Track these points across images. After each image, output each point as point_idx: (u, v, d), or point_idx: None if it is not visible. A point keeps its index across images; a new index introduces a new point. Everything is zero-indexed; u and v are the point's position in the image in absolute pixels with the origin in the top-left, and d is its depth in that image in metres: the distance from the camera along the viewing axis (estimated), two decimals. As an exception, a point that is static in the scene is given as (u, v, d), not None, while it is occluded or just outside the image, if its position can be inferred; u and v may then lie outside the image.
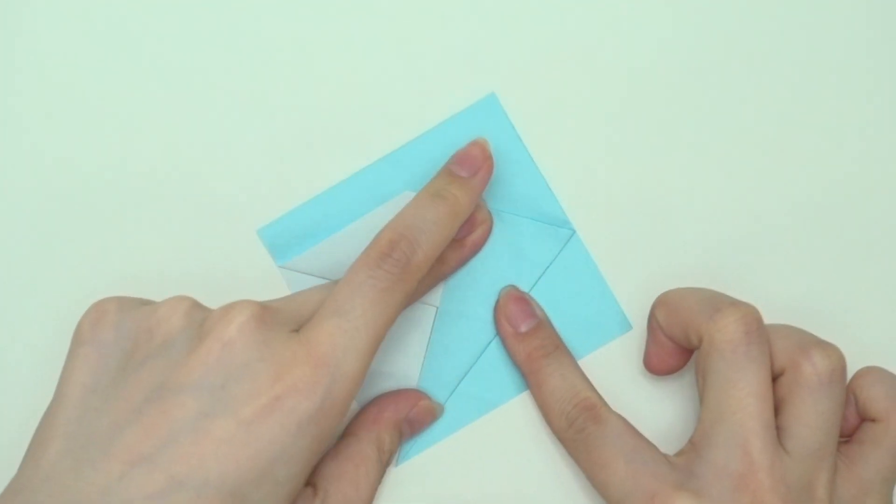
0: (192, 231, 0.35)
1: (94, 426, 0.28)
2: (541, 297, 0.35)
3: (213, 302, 0.30)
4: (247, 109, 0.35)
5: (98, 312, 0.30)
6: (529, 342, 0.34)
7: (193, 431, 0.27)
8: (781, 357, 0.30)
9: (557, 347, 0.34)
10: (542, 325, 0.34)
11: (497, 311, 0.35)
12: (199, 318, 0.29)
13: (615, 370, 0.35)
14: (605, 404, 0.32)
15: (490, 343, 0.35)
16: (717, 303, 0.31)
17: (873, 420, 0.31)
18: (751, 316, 0.30)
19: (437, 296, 0.35)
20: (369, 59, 0.36)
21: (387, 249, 0.30)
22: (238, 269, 0.35)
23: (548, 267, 0.35)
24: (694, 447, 0.30)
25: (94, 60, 0.36)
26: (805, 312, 0.35)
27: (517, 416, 0.35)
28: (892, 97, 0.36)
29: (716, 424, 0.30)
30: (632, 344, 0.35)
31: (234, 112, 0.35)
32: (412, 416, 0.34)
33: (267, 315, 0.29)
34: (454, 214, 0.32)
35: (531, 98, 0.36)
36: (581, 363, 0.35)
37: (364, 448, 0.33)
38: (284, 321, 0.29)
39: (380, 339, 0.30)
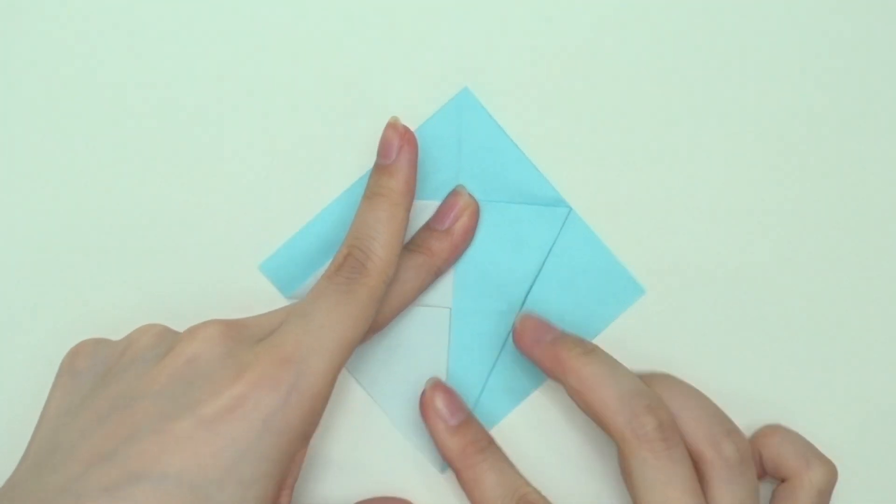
0: (198, 274, 0.35)
1: (61, 438, 0.28)
2: (549, 278, 0.35)
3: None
4: (224, 144, 0.35)
5: (76, 348, 0.31)
6: (463, 436, 0.33)
7: (154, 432, 0.27)
8: (692, 446, 0.31)
9: (490, 442, 0.34)
10: (472, 418, 0.34)
11: (424, 402, 0.34)
12: (168, 339, 0.30)
13: (637, 336, 0.35)
14: (544, 498, 0.32)
15: (509, 334, 0.35)
16: (634, 405, 0.30)
17: (783, 479, 0.32)
18: (665, 422, 0.30)
19: (447, 297, 0.35)
20: (342, 70, 0.36)
21: (341, 260, 0.31)
22: (248, 306, 0.35)
23: (551, 248, 0.35)
24: None
25: (89, 96, 0.35)
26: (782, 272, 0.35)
27: (543, 407, 0.35)
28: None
29: None
30: (649, 308, 0.35)
31: (217, 146, 0.35)
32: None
33: (233, 330, 0.29)
34: (394, 204, 0.32)
35: (505, 86, 0.36)
36: (602, 335, 0.35)
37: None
38: (250, 336, 0.29)
39: (350, 340, 0.29)
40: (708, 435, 0.31)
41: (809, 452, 0.32)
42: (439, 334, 0.35)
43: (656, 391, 0.32)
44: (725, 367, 0.35)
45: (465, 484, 0.33)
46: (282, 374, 0.28)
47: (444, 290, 0.35)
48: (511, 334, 0.34)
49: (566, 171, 0.35)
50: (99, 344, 0.31)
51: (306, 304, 0.30)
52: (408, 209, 0.32)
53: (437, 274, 0.35)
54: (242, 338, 0.29)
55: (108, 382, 0.29)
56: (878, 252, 0.35)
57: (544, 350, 0.33)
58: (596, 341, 0.35)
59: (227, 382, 0.27)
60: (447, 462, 0.34)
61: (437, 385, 0.34)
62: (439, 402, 0.34)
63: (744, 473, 0.30)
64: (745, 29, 0.35)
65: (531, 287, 0.35)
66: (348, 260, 0.31)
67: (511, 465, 0.33)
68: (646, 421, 0.30)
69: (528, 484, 0.33)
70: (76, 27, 0.35)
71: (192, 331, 0.29)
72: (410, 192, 0.32)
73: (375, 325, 0.32)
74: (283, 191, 0.35)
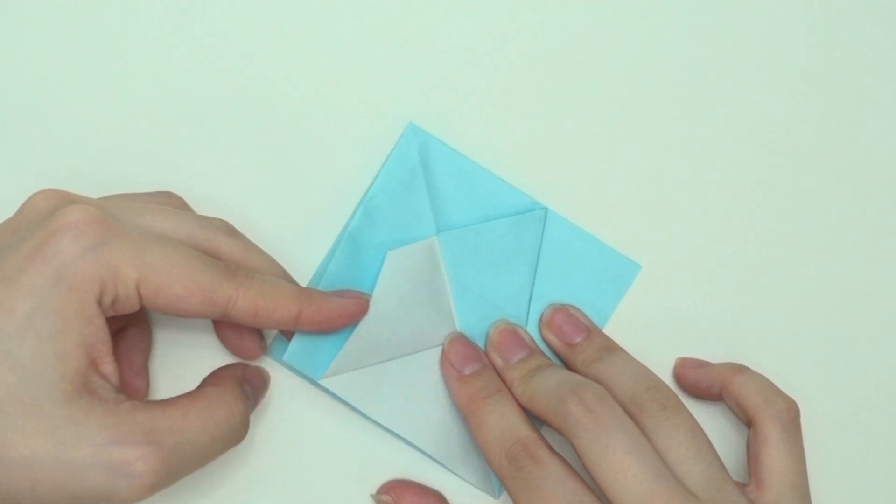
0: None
1: None
2: (546, 281, 0.36)
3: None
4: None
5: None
6: (472, 384, 0.34)
7: None
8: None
9: (499, 390, 0.33)
10: (486, 369, 0.34)
11: (442, 356, 0.35)
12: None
13: (645, 314, 0.36)
14: (546, 445, 0.31)
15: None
16: (561, 395, 0.31)
17: (748, 422, 0.33)
18: (589, 399, 0.30)
19: (453, 328, 0.35)
20: (287, 118, 0.35)
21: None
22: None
23: (539, 250, 0.36)
24: None
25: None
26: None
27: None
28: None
29: (618, 499, 0.29)
30: (649, 281, 0.36)
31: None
32: (248, 376, 0.33)
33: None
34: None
35: (448, 108, 0.36)
36: (611, 322, 0.36)
37: (227, 376, 0.31)
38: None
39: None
40: (632, 396, 0.31)
41: (769, 391, 0.33)
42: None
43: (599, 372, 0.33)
44: (730, 324, 0.36)
45: (472, 429, 0.33)
46: (89, 229, 0.27)
47: (448, 324, 0.35)
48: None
49: (532, 174, 0.36)
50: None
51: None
52: None
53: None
54: (73, 199, 0.29)
55: None
56: (865, 221, 0.37)
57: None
58: (608, 325, 0.36)
59: (32, 234, 0.27)
60: (459, 409, 0.34)
61: (454, 338, 0.35)
62: (453, 354, 0.34)
63: (677, 415, 0.31)
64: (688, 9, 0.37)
65: (531, 295, 0.36)
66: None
67: (517, 411, 0.33)
68: (570, 406, 0.30)
69: (531, 428, 0.32)
70: None
71: (60, 216, 0.28)
72: None
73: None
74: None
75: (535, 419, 0.33)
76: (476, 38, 0.36)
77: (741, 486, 0.31)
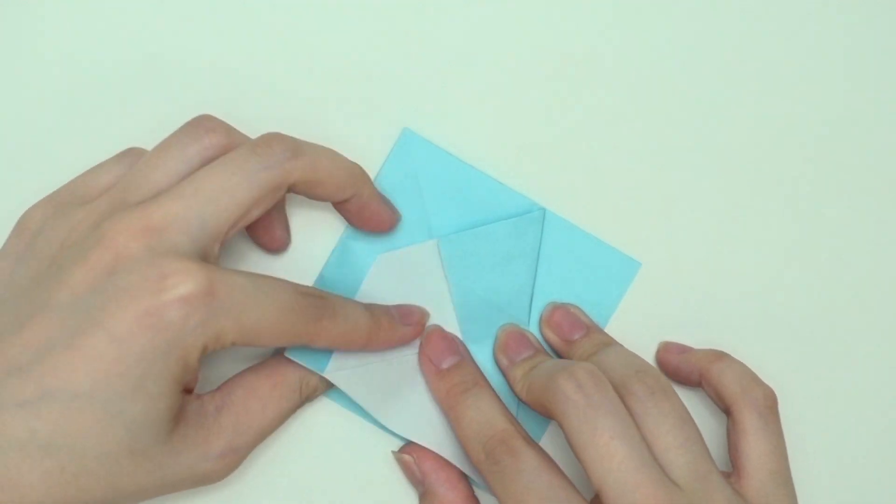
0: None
1: None
2: (547, 282, 0.36)
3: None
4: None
5: (21, 223, 0.32)
6: (450, 379, 0.34)
7: (67, 347, 0.27)
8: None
9: (477, 384, 0.33)
10: (464, 362, 0.34)
11: (420, 350, 0.35)
12: (94, 230, 0.29)
13: (646, 312, 0.36)
14: (524, 437, 0.31)
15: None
16: (554, 376, 0.31)
17: (727, 410, 0.33)
18: (582, 380, 0.30)
19: (455, 331, 0.35)
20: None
21: None
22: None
23: (539, 251, 0.36)
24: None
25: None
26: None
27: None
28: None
29: (600, 483, 0.29)
30: (650, 279, 0.36)
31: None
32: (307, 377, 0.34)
33: (155, 236, 0.29)
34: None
35: (442, 113, 0.36)
36: (612, 320, 0.36)
37: (290, 375, 0.33)
38: (174, 245, 0.29)
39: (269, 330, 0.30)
40: (621, 379, 0.31)
41: (746, 379, 0.33)
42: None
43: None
44: (733, 322, 0.36)
45: (452, 423, 0.33)
46: (200, 303, 0.28)
47: (450, 327, 0.35)
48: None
49: (529, 176, 0.36)
50: (46, 215, 0.31)
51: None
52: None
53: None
54: (166, 247, 0.29)
55: (30, 271, 0.30)
56: (865, 217, 0.36)
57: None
58: (610, 324, 0.36)
59: (141, 295, 0.28)
60: (439, 404, 0.34)
61: (431, 332, 0.35)
62: (429, 348, 0.35)
63: (666, 400, 0.31)
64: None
65: (532, 297, 0.36)
66: None
67: (496, 403, 0.33)
68: (561, 382, 0.30)
69: (509, 421, 0.32)
70: None
71: (110, 229, 0.29)
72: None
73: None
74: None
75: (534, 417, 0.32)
76: (470, 42, 0.36)
77: (726, 476, 0.31)
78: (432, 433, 0.34)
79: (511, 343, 0.35)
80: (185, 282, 0.28)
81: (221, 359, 0.35)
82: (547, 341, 0.35)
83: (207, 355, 0.29)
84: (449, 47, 0.36)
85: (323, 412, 0.35)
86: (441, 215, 0.36)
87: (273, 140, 0.31)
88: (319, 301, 0.31)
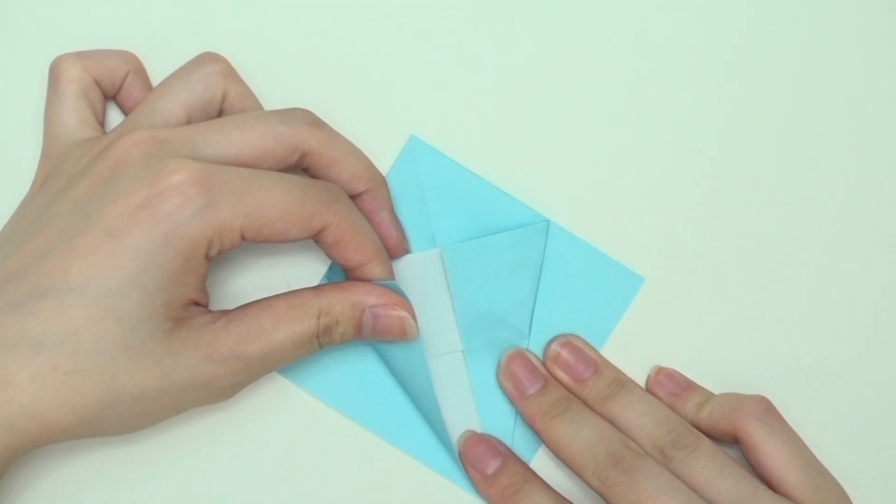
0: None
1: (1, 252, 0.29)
2: (549, 294, 0.36)
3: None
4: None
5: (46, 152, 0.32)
6: (498, 483, 0.33)
7: (63, 248, 0.28)
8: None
9: (527, 480, 0.33)
10: (508, 461, 0.34)
11: (462, 458, 0.34)
12: (101, 143, 0.31)
13: (648, 327, 0.36)
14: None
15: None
16: (595, 454, 0.32)
17: (735, 440, 0.33)
18: (626, 458, 0.31)
19: (456, 340, 0.35)
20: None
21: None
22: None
23: (542, 263, 0.36)
24: None
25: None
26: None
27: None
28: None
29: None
30: (652, 294, 0.36)
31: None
32: (382, 313, 0.32)
33: (157, 141, 0.29)
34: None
35: (449, 122, 0.36)
36: (613, 335, 0.36)
37: (310, 299, 0.31)
38: (175, 150, 0.29)
39: (272, 217, 0.29)
40: (654, 442, 0.32)
41: (734, 401, 0.33)
42: (459, 379, 0.35)
43: (617, 407, 0.33)
44: (735, 339, 0.36)
45: None
46: (195, 191, 0.27)
47: (452, 336, 0.35)
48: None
49: (534, 187, 0.36)
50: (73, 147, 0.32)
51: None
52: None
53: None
54: (166, 150, 0.29)
55: (41, 203, 0.30)
56: (870, 233, 0.36)
57: (522, 408, 0.34)
58: (611, 339, 0.36)
59: (136, 190, 0.28)
60: None
61: (468, 438, 0.35)
62: (471, 454, 0.34)
63: (697, 446, 0.32)
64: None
65: (534, 308, 0.36)
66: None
67: (549, 496, 0.33)
68: (611, 473, 0.31)
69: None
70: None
71: (116, 143, 0.29)
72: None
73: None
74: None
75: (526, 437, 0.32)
76: (479, 51, 0.36)
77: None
78: (433, 445, 0.35)
79: (518, 372, 0.34)
80: (178, 172, 0.27)
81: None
82: (557, 379, 0.35)
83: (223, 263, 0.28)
84: (458, 57, 0.36)
85: (321, 414, 0.35)
86: (445, 224, 0.36)
87: (297, 109, 0.32)
88: (331, 185, 0.31)
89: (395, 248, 0.34)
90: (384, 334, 0.32)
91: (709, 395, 0.34)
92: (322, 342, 0.31)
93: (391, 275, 0.32)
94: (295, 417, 0.35)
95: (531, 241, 0.35)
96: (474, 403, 0.35)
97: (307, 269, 0.35)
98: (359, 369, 0.35)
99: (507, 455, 0.34)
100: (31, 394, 0.27)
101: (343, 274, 0.33)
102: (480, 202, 0.36)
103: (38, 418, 0.27)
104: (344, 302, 0.31)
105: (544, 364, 0.35)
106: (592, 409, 0.34)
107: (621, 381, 0.34)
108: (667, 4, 0.36)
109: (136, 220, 0.27)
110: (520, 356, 0.35)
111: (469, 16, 0.36)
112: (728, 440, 0.33)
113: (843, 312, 0.36)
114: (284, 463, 0.35)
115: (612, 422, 0.33)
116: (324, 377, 0.35)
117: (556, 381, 0.34)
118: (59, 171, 0.31)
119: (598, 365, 0.35)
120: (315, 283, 0.35)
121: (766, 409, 0.33)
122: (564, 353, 0.35)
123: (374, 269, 0.32)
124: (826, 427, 0.34)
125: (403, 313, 0.32)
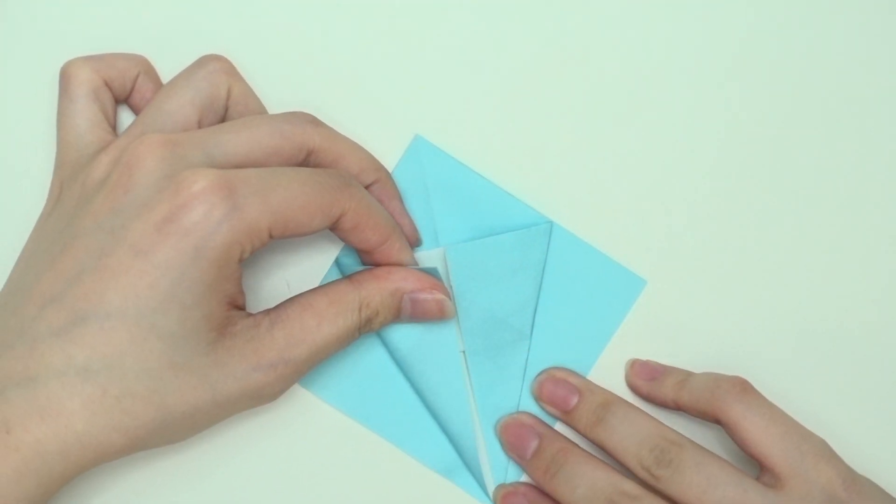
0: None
1: (23, 278, 0.29)
2: (551, 295, 0.36)
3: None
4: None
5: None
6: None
7: (94, 269, 0.27)
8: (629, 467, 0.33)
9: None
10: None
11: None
12: (117, 159, 0.30)
13: (650, 330, 0.36)
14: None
15: (527, 358, 0.36)
16: (641, 454, 0.32)
17: (715, 420, 0.33)
18: (597, 404, 0.33)
19: (457, 340, 0.35)
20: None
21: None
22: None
23: (545, 264, 0.36)
24: None
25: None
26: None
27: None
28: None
29: None
30: (654, 297, 0.36)
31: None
32: (420, 298, 0.33)
33: (172, 147, 0.29)
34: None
35: (454, 122, 0.36)
36: (615, 337, 0.36)
37: (349, 293, 0.31)
38: (191, 156, 0.29)
39: (296, 217, 0.29)
40: (638, 462, 0.32)
41: (711, 381, 0.33)
42: (457, 378, 0.35)
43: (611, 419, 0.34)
44: (737, 340, 0.36)
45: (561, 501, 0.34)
46: (217, 197, 0.27)
47: (453, 336, 0.35)
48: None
49: (538, 188, 0.36)
50: (80, 168, 0.31)
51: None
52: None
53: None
54: (178, 154, 0.29)
55: (62, 216, 0.30)
56: (872, 233, 0.36)
57: (527, 470, 0.35)
58: (612, 341, 0.36)
59: (158, 203, 0.27)
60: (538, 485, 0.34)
61: (504, 425, 0.35)
62: (508, 441, 0.35)
63: (682, 460, 0.32)
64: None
65: (535, 310, 0.36)
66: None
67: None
68: (648, 463, 0.32)
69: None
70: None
71: (128, 150, 0.29)
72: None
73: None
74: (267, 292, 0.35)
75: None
76: (485, 52, 0.36)
77: (759, 478, 0.32)
78: (436, 448, 0.35)
79: (514, 440, 0.35)
80: (197, 181, 0.27)
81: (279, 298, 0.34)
82: (548, 414, 0.35)
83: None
84: (464, 57, 0.36)
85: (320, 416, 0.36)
86: (448, 223, 0.36)
87: (298, 111, 0.32)
88: (342, 172, 0.31)
89: (409, 236, 0.34)
90: (423, 317, 0.33)
91: (686, 374, 0.34)
92: (362, 332, 0.32)
93: (409, 250, 0.33)
94: (306, 421, 0.35)
95: (534, 243, 0.36)
96: (473, 404, 0.36)
97: (307, 269, 0.35)
98: (370, 373, 0.35)
99: (543, 433, 0.34)
100: (84, 420, 0.27)
101: (358, 258, 0.34)
102: (484, 202, 0.36)
103: (93, 444, 0.27)
104: (383, 292, 0.32)
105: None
106: (586, 449, 0.34)
107: (606, 403, 0.34)
108: (669, 5, 0.36)
109: (163, 234, 0.27)
110: (512, 423, 0.35)
111: (475, 16, 0.36)
112: (709, 420, 0.33)
113: (846, 315, 0.36)
114: (295, 467, 0.35)
115: (602, 447, 0.33)
116: (337, 384, 0.35)
117: (552, 433, 0.35)
118: (73, 181, 0.31)
119: (581, 391, 0.35)
120: (315, 282, 0.35)
121: (742, 389, 0.33)
122: (548, 388, 0.35)
123: (393, 246, 0.32)
124: (827, 427, 0.34)
125: (441, 296, 0.33)
